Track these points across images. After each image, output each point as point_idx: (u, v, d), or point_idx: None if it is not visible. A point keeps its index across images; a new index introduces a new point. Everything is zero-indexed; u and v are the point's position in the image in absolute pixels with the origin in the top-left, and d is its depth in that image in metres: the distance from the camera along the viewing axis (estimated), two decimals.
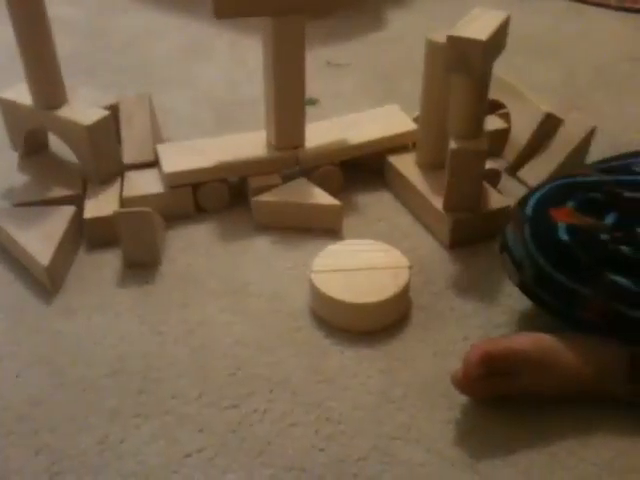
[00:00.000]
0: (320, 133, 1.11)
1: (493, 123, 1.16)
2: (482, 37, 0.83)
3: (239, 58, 1.55)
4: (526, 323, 0.88)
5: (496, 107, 1.19)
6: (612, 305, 0.74)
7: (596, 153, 1.09)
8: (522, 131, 1.14)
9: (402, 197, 1.10)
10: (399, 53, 1.54)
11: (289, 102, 1.03)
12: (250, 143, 1.09)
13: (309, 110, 1.08)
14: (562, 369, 0.75)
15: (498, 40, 0.90)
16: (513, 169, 1.15)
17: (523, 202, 0.82)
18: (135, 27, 1.71)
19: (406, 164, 1.09)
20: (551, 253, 0.77)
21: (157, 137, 1.16)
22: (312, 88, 1.17)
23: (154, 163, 1.09)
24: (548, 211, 0.78)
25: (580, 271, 0.75)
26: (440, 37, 0.95)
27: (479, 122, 0.94)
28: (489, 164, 1.04)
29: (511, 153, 1.16)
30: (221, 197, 1.08)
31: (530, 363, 0.75)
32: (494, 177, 1.09)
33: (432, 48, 0.98)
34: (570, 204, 0.78)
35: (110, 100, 1.15)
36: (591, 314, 0.76)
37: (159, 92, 1.32)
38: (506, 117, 1.18)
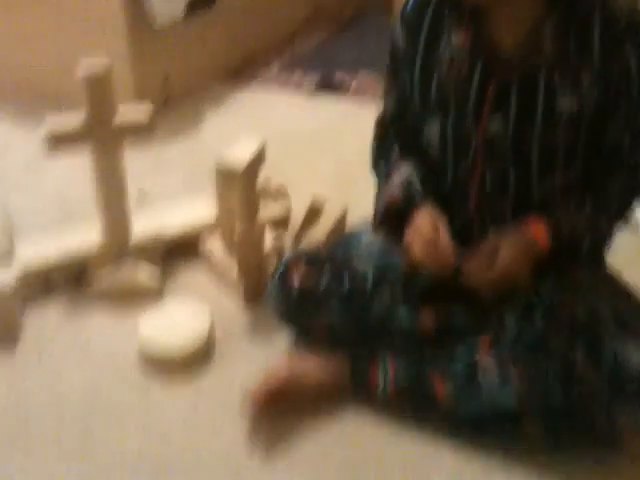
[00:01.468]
0: (146, 222, 1.45)
1: (276, 209, 1.55)
2: (240, 168, 1.24)
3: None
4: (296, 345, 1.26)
5: (280, 195, 1.59)
6: (330, 329, 1.16)
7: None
8: (299, 211, 1.55)
9: (211, 267, 1.46)
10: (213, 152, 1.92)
11: (114, 206, 1.37)
12: (89, 235, 1.41)
13: (140, 202, 1.42)
14: (313, 381, 1.14)
15: (257, 158, 1.30)
16: (296, 239, 1.54)
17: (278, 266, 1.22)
18: None
19: (212, 243, 1.46)
20: (289, 297, 1.18)
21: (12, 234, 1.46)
22: (143, 181, 1.50)
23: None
24: (288, 269, 1.20)
25: (308, 308, 1.17)
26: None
27: (252, 215, 1.33)
28: (276, 240, 1.43)
29: (293, 228, 1.56)
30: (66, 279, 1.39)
31: (296, 384, 1.13)
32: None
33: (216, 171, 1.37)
34: (300, 264, 1.20)
35: None
36: (318, 333, 1.18)
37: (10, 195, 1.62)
38: (287, 205, 1.58)
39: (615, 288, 1.14)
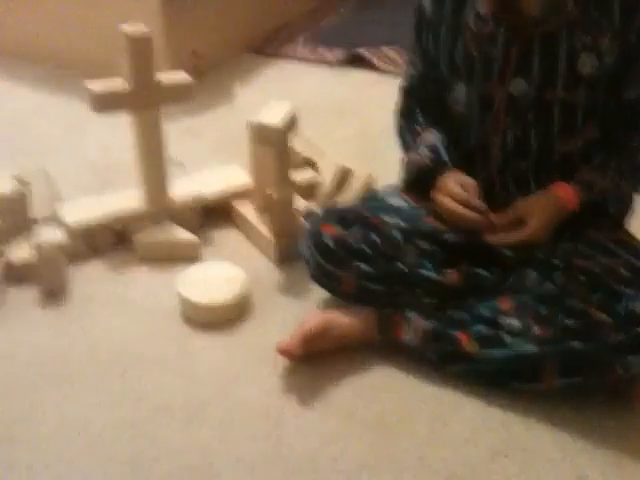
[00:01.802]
0: (182, 188, 1.52)
1: (306, 175, 1.62)
2: (277, 125, 1.29)
3: (115, 134, 1.93)
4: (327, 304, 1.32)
5: (309, 163, 1.65)
6: (359, 282, 1.21)
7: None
8: (327, 179, 1.61)
9: (244, 231, 1.53)
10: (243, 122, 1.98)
11: (154, 170, 1.44)
12: (129, 199, 1.49)
13: (176, 170, 1.49)
14: (344, 331, 1.21)
15: (290, 122, 1.36)
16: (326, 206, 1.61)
17: (305, 221, 1.29)
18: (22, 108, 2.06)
19: (245, 208, 1.53)
20: (321, 252, 1.22)
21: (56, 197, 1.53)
22: (176, 151, 1.57)
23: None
24: (320, 226, 1.25)
25: (339, 261, 1.21)
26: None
27: (285, 177, 1.39)
28: (307, 204, 1.50)
29: (321, 196, 1.62)
30: (108, 240, 1.47)
31: (327, 332, 1.19)
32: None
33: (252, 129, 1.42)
34: (331, 221, 1.25)
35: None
36: (348, 288, 1.22)
37: (50, 161, 1.69)
38: (317, 169, 1.64)
39: (629, 246, 1.20)
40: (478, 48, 1.18)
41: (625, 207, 1.28)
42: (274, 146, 1.34)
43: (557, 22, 1.12)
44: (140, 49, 1.33)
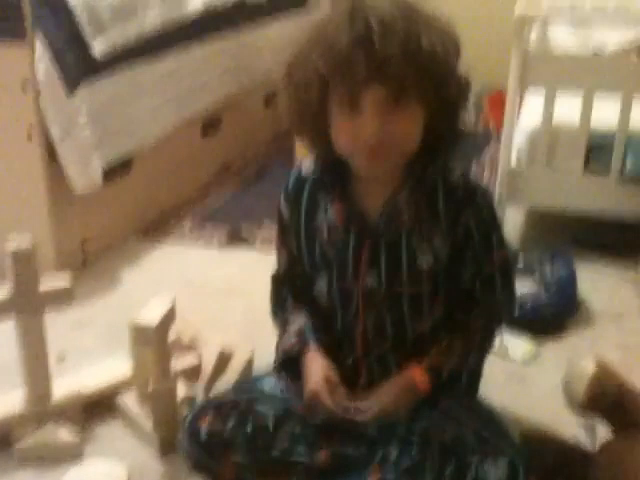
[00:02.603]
0: (65, 385, 1.57)
1: (188, 361, 1.70)
2: (152, 325, 1.39)
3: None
4: None
5: (191, 347, 1.74)
6: (237, 473, 1.30)
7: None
8: (208, 363, 1.70)
9: (128, 424, 1.57)
10: (131, 308, 2.05)
11: (37, 371, 1.49)
12: (10, 401, 1.51)
13: (60, 366, 1.53)
14: None
15: (168, 319, 1.47)
16: (206, 390, 1.68)
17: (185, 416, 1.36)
18: None
19: (128, 400, 1.58)
20: (197, 445, 1.31)
21: None
22: (62, 344, 1.62)
23: None
24: (196, 418, 1.33)
25: (214, 454, 1.30)
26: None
27: (164, 370, 1.47)
28: (187, 391, 1.57)
29: (203, 379, 1.70)
30: None
31: None
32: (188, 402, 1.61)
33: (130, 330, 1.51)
34: (208, 417, 1.32)
35: None
36: (227, 478, 1.31)
37: None
38: (199, 354, 1.73)
39: (479, 413, 1.33)
40: (333, 251, 1.34)
41: (476, 376, 1.44)
42: (152, 345, 1.43)
43: (397, 230, 1.30)
44: (22, 261, 1.42)
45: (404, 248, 1.31)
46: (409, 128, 1.21)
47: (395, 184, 1.30)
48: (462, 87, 1.24)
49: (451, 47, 1.20)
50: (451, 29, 1.21)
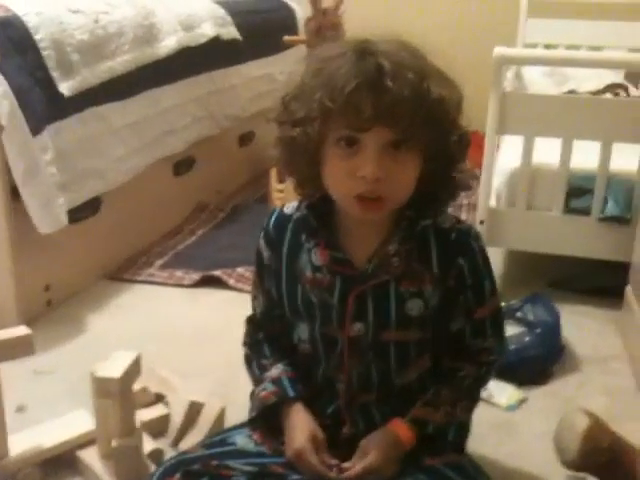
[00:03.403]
0: (23, 441, 1.46)
1: (156, 411, 1.60)
2: (116, 375, 1.30)
3: None
4: None
5: (160, 397, 1.64)
6: None
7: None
8: (177, 414, 1.60)
9: None
10: (96, 356, 1.95)
11: None
12: None
13: (18, 417, 1.43)
14: None
15: (132, 371, 1.37)
16: (175, 442, 1.58)
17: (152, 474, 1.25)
18: None
19: (90, 456, 1.47)
20: None
21: None
22: (22, 396, 1.52)
23: None
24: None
25: None
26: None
27: (129, 424, 1.37)
28: (154, 444, 1.47)
29: (172, 431, 1.60)
30: None
31: None
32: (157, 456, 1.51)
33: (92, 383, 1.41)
34: (177, 475, 1.21)
35: None
36: None
37: None
38: (167, 404, 1.63)
39: (467, 473, 1.26)
40: (317, 296, 1.27)
41: (464, 431, 1.35)
42: (115, 398, 1.34)
43: (386, 276, 1.24)
44: None
45: (392, 295, 1.24)
46: (406, 174, 1.17)
47: (384, 231, 1.24)
48: (463, 140, 1.19)
49: (455, 97, 1.17)
50: (454, 80, 1.18)
